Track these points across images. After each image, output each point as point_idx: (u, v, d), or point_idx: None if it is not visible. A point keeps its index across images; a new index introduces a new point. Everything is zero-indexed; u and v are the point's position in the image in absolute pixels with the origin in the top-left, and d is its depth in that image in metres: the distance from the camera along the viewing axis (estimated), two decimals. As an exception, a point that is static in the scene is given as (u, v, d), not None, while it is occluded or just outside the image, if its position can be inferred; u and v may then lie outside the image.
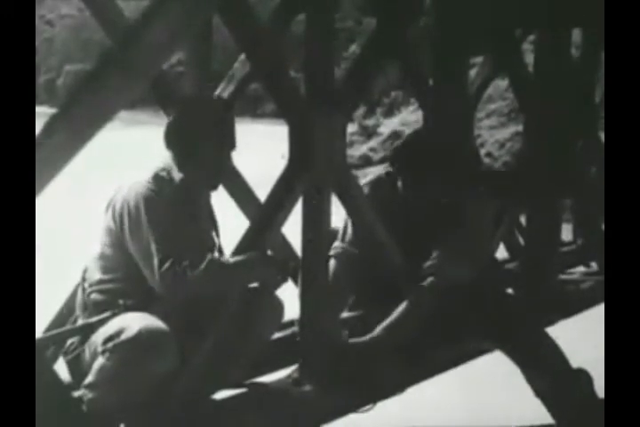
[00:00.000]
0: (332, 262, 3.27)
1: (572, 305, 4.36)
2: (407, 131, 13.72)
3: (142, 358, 2.40)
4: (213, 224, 2.83)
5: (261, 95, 21.25)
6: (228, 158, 2.78)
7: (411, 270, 3.25)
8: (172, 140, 2.67)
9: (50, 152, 1.85)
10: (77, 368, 2.62)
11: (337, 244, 3.31)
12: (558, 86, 4.08)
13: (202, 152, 2.64)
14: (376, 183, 3.37)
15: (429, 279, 3.21)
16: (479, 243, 3.42)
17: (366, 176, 3.53)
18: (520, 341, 3.32)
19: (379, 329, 3.17)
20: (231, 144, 2.72)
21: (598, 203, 4.39)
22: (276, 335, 3.10)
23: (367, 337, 3.15)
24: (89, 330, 2.57)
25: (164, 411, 2.55)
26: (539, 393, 3.36)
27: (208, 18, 3.12)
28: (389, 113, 18.44)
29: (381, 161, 14.43)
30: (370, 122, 17.68)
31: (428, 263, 3.23)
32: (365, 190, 3.30)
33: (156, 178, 2.62)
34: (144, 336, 2.39)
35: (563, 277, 4.65)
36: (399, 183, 3.30)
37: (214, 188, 2.78)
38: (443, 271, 3.21)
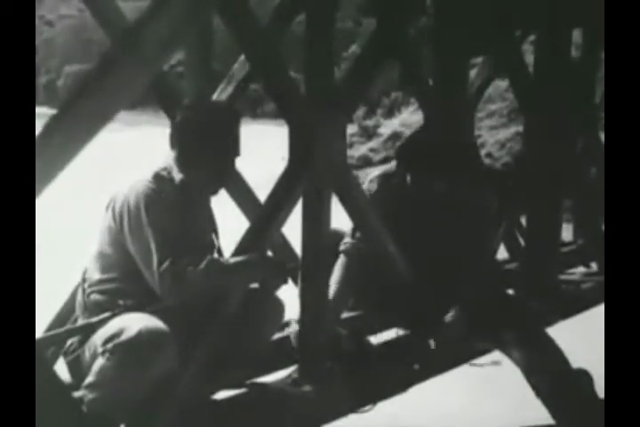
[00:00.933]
0: (342, 258, 3.27)
1: (571, 305, 4.35)
2: (407, 132, 13.71)
3: (142, 359, 2.40)
4: (213, 226, 2.83)
5: (261, 95, 21.24)
6: (232, 164, 2.77)
7: (414, 271, 3.25)
8: (175, 140, 2.67)
9: (50, 153, 1.85)
10: (77, 369, 2.62)
11: (346, 240, 3.31)
12: (558, 87, 4.07)
13: (203, 153, 2.64)
14: (384, 177, 3.37)
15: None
16: (489, 240, 3.45)
17: (367, 176, 3.53)
18: (520, 341, 3.32)
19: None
20: (235, 150, 2.71)
21: (598, 203, 4.38)
22: (276, 335, 3.10)
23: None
24: (89, 330, 2.57)
25: (164, 411, 2.55)
26: (539, 393, 3.36)
27: (208, 18, 3.12)
28: (389, 114, 18.45)
29: (382, 162, 14.43)
30: (370, 123, 17.69)
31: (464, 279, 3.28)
32: (374, 184, 3.31)
33: (157, 177, 2.62)
34: (144, 337, 2.39)
35: (563, 277, 4.65)
36: (407, 178, 3.30)
37: (214, 192, 2.77)
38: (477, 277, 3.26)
